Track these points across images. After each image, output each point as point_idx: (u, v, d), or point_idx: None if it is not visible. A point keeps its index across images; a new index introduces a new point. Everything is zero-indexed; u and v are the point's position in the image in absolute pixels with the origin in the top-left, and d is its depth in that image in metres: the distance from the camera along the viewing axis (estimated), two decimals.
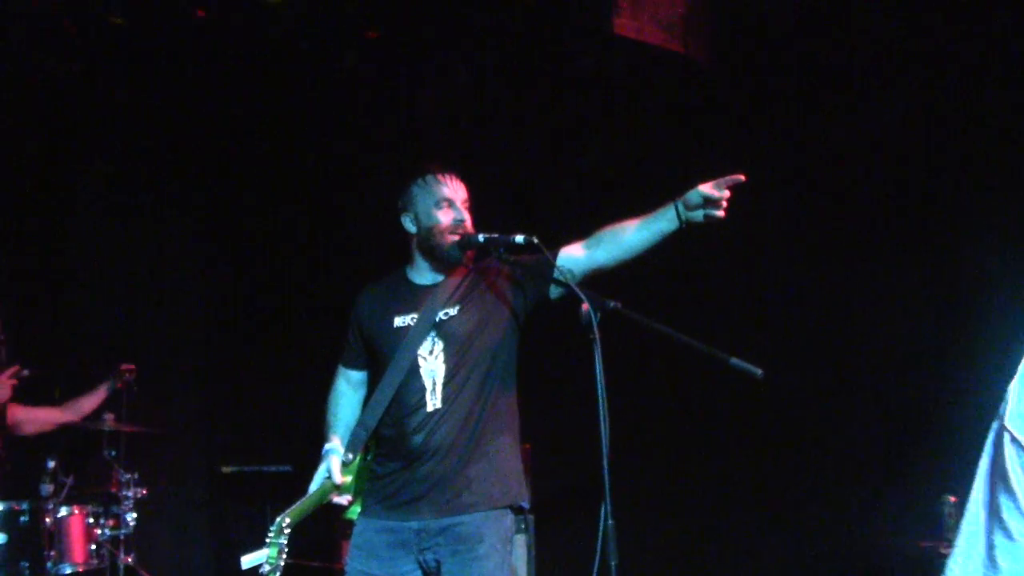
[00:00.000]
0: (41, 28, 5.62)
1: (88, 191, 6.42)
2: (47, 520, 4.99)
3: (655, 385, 5.30)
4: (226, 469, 6.36)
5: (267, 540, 3.00)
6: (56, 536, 5.05)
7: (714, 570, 5.37)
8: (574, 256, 3.23)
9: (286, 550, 3.00)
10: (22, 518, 4.84)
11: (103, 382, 5.57)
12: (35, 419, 5.46)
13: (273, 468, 6.12)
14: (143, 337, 6.25)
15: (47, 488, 5.09)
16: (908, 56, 4.77)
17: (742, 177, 3.03)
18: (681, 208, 3.10)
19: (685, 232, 3.14)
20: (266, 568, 2.97)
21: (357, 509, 3.30)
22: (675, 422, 5.40)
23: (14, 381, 5.06)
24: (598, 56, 5.11)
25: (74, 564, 5.09)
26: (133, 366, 5.61)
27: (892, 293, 4.82)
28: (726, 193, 3.04)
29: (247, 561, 3.02)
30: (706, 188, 3.05)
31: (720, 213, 3.06)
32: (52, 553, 4.99)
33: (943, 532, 4.10)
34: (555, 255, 3.21)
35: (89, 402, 5.56)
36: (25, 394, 5.53)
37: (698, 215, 3.09)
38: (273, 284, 6.73)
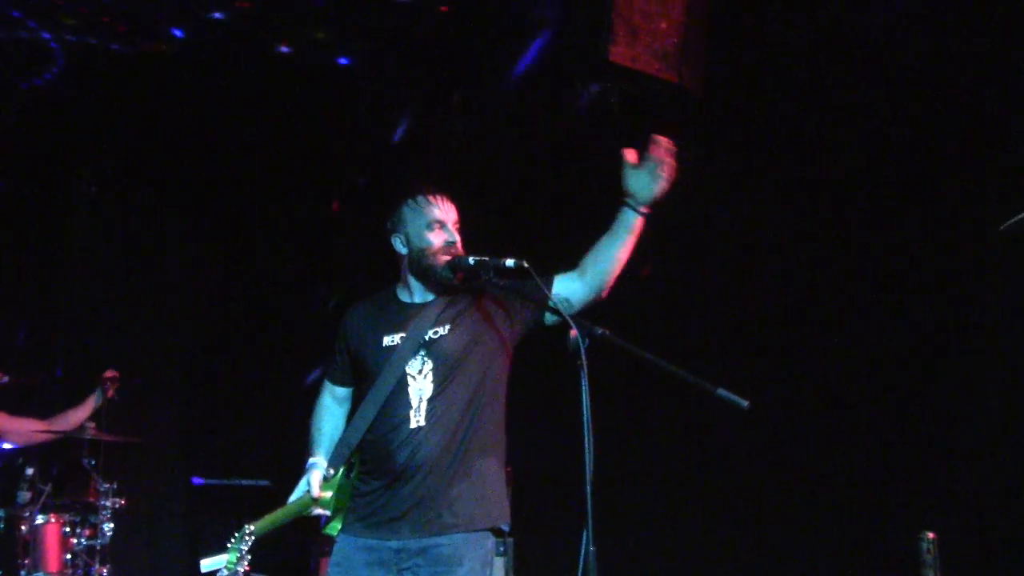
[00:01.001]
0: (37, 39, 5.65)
1: (75, 203, 6.42)
2: (23, 528, 4.97)
3: (641, 412, 5.31)
4: (204, 481, 6.33)
5: (228, 545, 3.00)
6: (31, 544, 5.02)
7: None
8: (571, 287, 3.25)
9: (247, 557, 3.00)
10: None
11: (91, 393, 5.55)
12: (19, 430, 5.46)
13: (251, 482, 6.10)
14: (124, 348, 6.25)
15: (24, 495, 5.07)
16: (899, 83, 4.81)
17: (658, 137, 3.11)
18: (631, 201, 3.20)
19: (653, 217, 3.20)
20: (224, 572, 2.98)
21: (337, 526, 3.29)
22: (659, 450, 5.40)
23: None
24: (593, 83, 5.14)
25: (48, 573, 5.06)
26: (117, 373, 5.59)
27: (876, 322, 4.84)
28: (655, 151, 3.12)
29: (206, 565, 3.02)
30: (629, 170, 3.17)
31: (664, 174, 3.15)
32: (27, 561, 4.97)
33: (921, 569, 4.10)
34: (550, 283, 3.23)
35: (77, 414, 5.54)
36: (6, 403, 5.53)
37: (646, 187, 3.16)
38: (255, 298, 6.72)
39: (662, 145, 3.15)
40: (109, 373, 5.60)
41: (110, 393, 5.52)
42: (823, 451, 4.90)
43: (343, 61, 5.89)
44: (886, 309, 4.82)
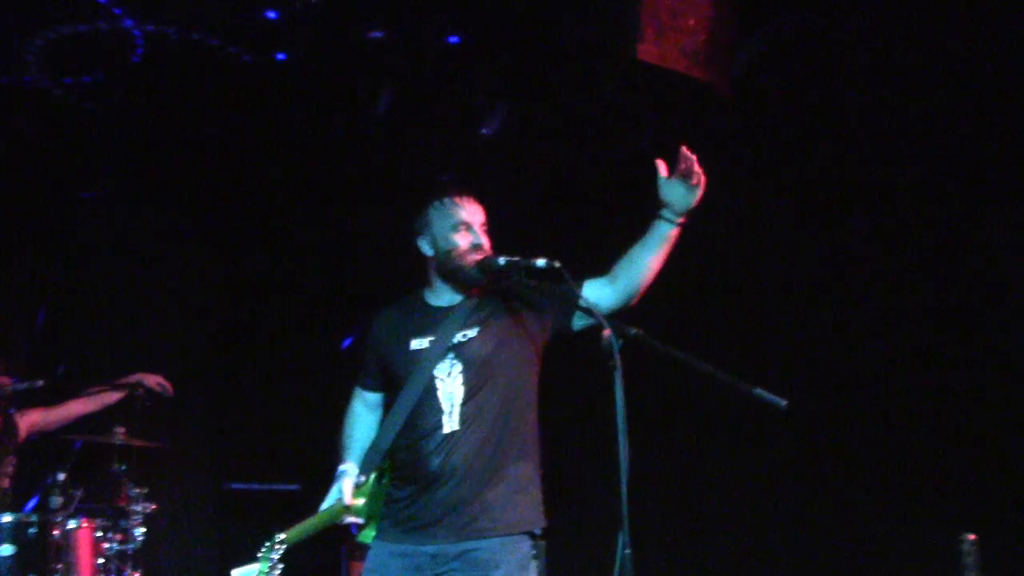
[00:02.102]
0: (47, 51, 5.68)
1: (97, 210, 6.45)
2: (55, 533, 4.97)
3: (676, 413, 5.27)
4: (234, 486, 6.35)
5: (259, 555, 2.98)
6: (64, 549, 5.02)
7: None
8: (600, 292, 3.21)
9: (279, 566, 2.97)
10: (30, 530, 4.84)
11: (132, 374, 5.60)
12: (56, 419, 5.58)
13: (281, 487, 6.10)
14: (154, 353, 6.25)
15: (56, 500, 5.08)
16: (934, 80, 4.76)
17: (686, 151, 3.08)
18: (665, 212, 3.16)
19: (687, 226, 3.17)
20: None
21: (371, 533, 3.26)
22: (695, 451, 5.36)
23: None
24: (621, 81, 5.11)
25: None
26: (170, 386, 5.64)
27: (917, 323, 4.78)
28: (688, 161, 3.08)
29: (236, 574, 2.99)
30: (663, 180, 3.13)
31: (693, 181, 3.11)
32: (59, 566, 4.97)
33: (962, 572, 4.04)
34: (580, 286, 3.18)
35: (110, 396, 5.58)
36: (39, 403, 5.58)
37: (681, 198, 3.12)
38: (285, 301, 6.72)
39: (692, 158, 3.10)
40: (157, 378, 5.64)
41: (141, 390, 5.56)
42: (862, 451, 4.86)
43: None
44: (927, 306, 4.76)
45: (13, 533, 4.78)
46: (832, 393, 4.91)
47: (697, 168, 3.11)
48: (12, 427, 5.48)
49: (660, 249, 3.18)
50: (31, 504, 5.63)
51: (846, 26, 4.91)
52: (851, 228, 5.04)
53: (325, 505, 3.19)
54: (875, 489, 4.85)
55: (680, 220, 3.17)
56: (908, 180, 4.86)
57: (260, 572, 2.95)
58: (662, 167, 3.15)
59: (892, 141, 4.89)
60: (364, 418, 3.43)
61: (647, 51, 4.74)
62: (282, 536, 3.01)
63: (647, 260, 3.19)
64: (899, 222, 4.91)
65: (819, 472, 4.98)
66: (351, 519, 3.20)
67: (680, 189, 3.12)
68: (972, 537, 4.08)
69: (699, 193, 3.14)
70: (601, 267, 3.27)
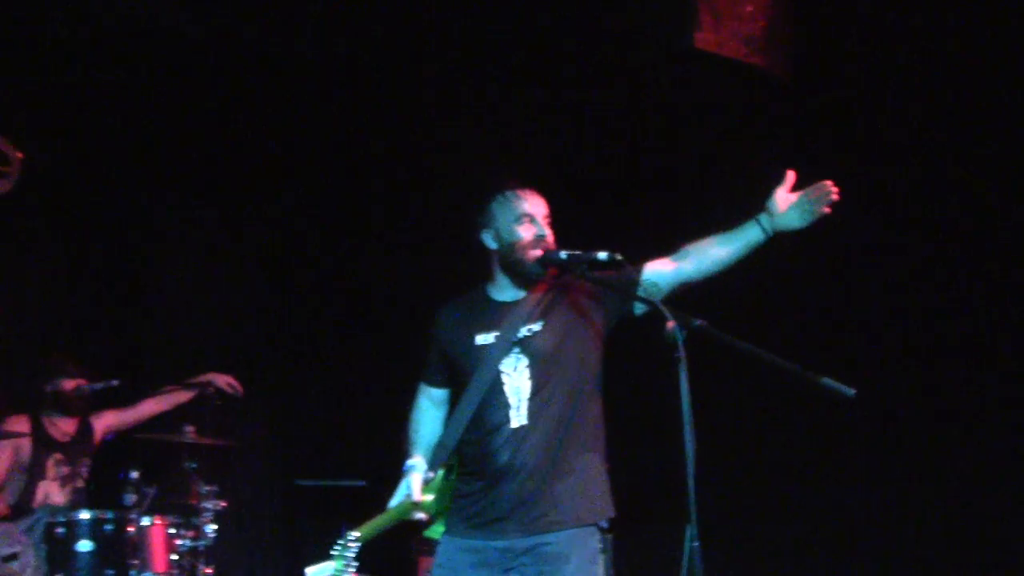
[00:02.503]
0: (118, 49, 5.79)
1: (161, 207, 6.55)
2: (130, 530, 5.07)
3: (741, 404, 5.23)
4: (302, 483, 6.41)
5: (333, 553, 2.99)
6: (139, 545, 5.12)
7: None
8: (660, 271, 3.21)
9: (353, 564, 2.99)
10: (107, 527, 4.94)
11: (203, 374, 5.69)
12: (130, 419, 5.71)
13: (348, 483, 6.15)
14: (221, 349, 6.33)
15: (130, 498, 5.19)
16: (1003, 65, 4.66)
17: (828, 183, 3.01)
18: (764, 220, 3.10)
19: (775, 240, 3.11)
20: None
21: (439, 528, 3.29)
22: (761, 441, 5.32)
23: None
24: (679, 71, 5.08)
25: (156, 573, 5.15)
26: (240, 387, 5.73)
27: (997, 307, 4.69)
28: (829, 187, 3.03)
29: (311, 572, 3.02)
30: (779, 192, 3.07)
31: (826, 211, 3.05)
32: (135, 562, 5.07)
33: None
34: (639, 271, 3.19)
35: (183, 395, 5.70)
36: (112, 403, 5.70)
37: (791, 220, 3.07)
38: (350, 298, 6.78)
39: (829, 191, 3.04)
40: (229, 379, 5.74)
41: (212, 389, 5.66)
42: (934, 443, 4.76)
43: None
44: (1007, 296, 4.67)
45: (91, 530, 4.88)
46: (903, 382, 4.83)
47: (827, 202, 3.04)
48: (89, 430, 5.60)
49: (739, 250, 3.16)
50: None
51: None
52: (920, 212, 4.95)
53: (394, 501, 3.20)
54: (948, 480, 4.76)
55: (771, 233, 3.12)
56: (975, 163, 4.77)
57: (336, 570, 2.97)
58: (790, 177, 3.08)
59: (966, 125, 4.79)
60: (430, 414, 3.44)
61: (705, 39, 4.71)
62: (356, 534, 3.02)
63: (722, 255, 3.18)
64: (967, 208, 4.82)
65: (888, 464, 4.91)
66: (420, 515, 3.22)
67: (795, 210, 3.07)
68: None
69: (810, 222, 3.08)
70: (659, 254, 3.25)
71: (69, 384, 5.46)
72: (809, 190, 3.07)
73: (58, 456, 5.44)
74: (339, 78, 6.11)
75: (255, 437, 6.39)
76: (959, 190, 4.82)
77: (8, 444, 5.30)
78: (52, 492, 5.39)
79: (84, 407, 5.56)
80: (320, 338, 6.80)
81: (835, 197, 3.05)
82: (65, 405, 5.48)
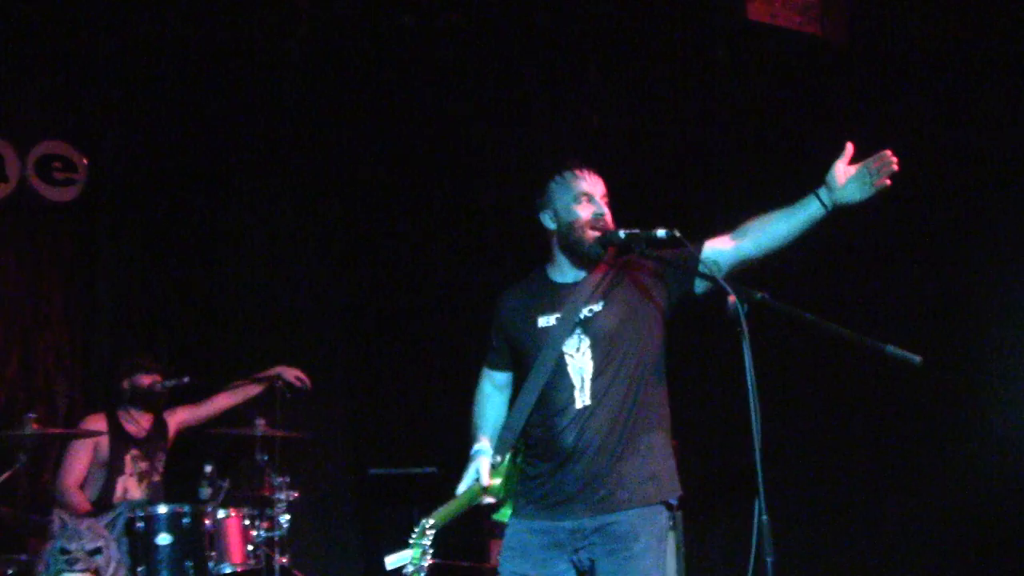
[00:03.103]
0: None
1: (231, 203, 6.63)
2: (207, 522, 5.17)
3: (805, 377, 5.17)
4: (374, 472, 6.48)
5: (410, 541, 3.02)
6: (215, 537, 5.22)
7: (870, 565, 5.20)
8: (720, 248, 3.19)
9: (430, 551, 3.01)
10: (184, 520, 5.03)
11: (272, 368, 5.79)
12: (203, 414, 5.82)
13: (419, 470, 6.20)
14: (289, 344, 6.40)
15: (205, 492, 5.28)
16: None
17: (888, 153, 2.94)
18: (824, 194, 3.05)
19: (835, 215, 3.06)
20: (409, 568, 2.99)
21: (507, 511, 3.30)
22: (827, 414, 5.25)
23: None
24: (733, 44, 5.02)
25: (233, 564, 5.26)
26: (307, 379, 5.82)
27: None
28: (889, 157, 2.96)
29: (391, 562, 3.04)
30: (839, 165, 3.01)
31: (885, 182, 2.99)
32: (213, 553, 5.17)
33: None
34: (699, 248, 3.17)
35: (252, 389, 5.81)
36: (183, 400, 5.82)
37: (851, 193, 3.01)
38: (415, 286, 6.81)
39: (890, 161, 2.98)
40: (296, 372, 5.83)
41: (281, 382, 5.74)
42: (1004, 409, 4.67)
43: None
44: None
45: (169, 523, 4.98)
46: (968, 350, 4.74)
47: (889, 172, 2.99)
48: (163, 426, 5.72)
49: (800, 225, 3.10)
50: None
51: None
52: (982, 178, 4.84)
53: (463, 487, 3.21)
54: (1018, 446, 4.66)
55: (831, 207, 3.06)
56: None
57: (414, 559, 2.99)
58: (849, 149, 3.03)
59: None
60: (494, 398, 3.46)
61: (757, 10, 4.65)
62: (431, 521, 3.04)
63: (783, 231, 3.13)
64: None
65: (959, 431, 4.82)
66: (488, 499, 3.24)
67: (854, 182, 3.01)
68: None
69: (871, 194, 3.02)
70: (718, 231, 3.22)
71: (146, 380, 5.58)
72: (868, 161, 3.01)
73: (135, 452, 5.57)
74: (399, 61, 6.12)
75: (326, 428, 6.46)
76: (1019, 153, 4.70)
77: (88, 441, 5.44)
78: (131, 487, 5.52)
79: (161, 403, 5.67)
80: (390, 328, 6.85)
81: (895, 167, 2.99)
82: (143, 401, 5.60)
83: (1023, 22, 4.64)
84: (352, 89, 6.28)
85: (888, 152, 2.99)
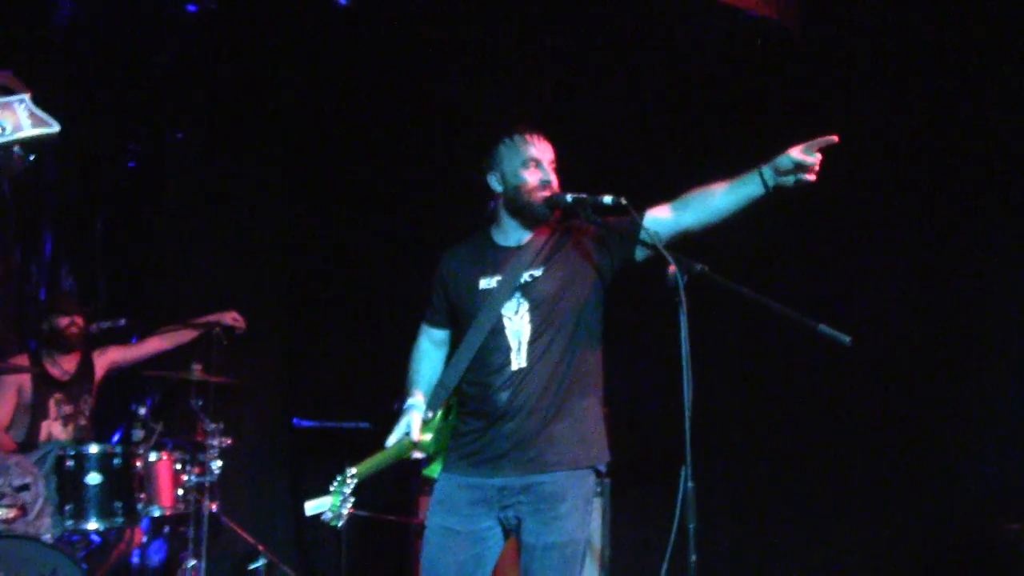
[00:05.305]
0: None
1: (178, 152, 6.56)
2: (138, 464, 5.16)
3: (740, 349, 5.26)
4: (301, 423, 6.48)
5: (331, 488, 3.03)
6: (146, 480, 5.22)
7: (791, 538, 5.34)
8: (661, 218, 3.22)
9: (351, 500, 3.01)
10: (115, 460, 5.00)
11: (210, 315, 5.75)
12: (133, 356, 5.79)
13: (352, 424, 6.22)
14: (229, 291, 6.37)
15: (138, 433, 5.27)
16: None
17: (834, 138, 3.00)
18: (768, 173, 3.10)
19: (773, 196, 3.11)
20: (328, 515, 2.99)
21: (437, 467, 3.33)
22: (757, 388, 5.36)
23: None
24: (693, 22, 5.06)
25: (162, 507, 5.26)
26: (243, 321, 5.79)
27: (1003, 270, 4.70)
28: (817, 157, 3.02)
29: (310, 508, 3.04)
30: (796, 152, 3.04)
31: (811, 177, 3.05)
32: (143, 496, 5.16)
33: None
34: (642, 216, 3.20)
35: (187, 334, 5.79)
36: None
37: (788, 180, 3.07)
38: (355, 242, 6.80)
39: (828, 143, 3.01)
40: (234, 316, 5.79)
41: (219, 328, 5.72)
42: (932, 393, 4.80)
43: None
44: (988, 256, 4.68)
45: (100, 463, 4.95)
46: (899, 331, 4.86)
47: (816, 164, 3.01)
48: (90, 367, 5.65)
49: (742, 202, 3.15)
50: (115, 437, 5.85)
51: None
52: (924, 165, 4.95)
53: (392, 440, 3.23)
54: (947, 430, 4.80)
55: (770, 187, 3.10)
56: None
57: (333, 506, 2.99)
58: (827, 140, 3.01)
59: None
60: (431, 354, 3.48)
61: None
62: (353, 471, 3.05)
63: (724, 206, 3.17)
64: (965, 165, 4.80)
65: (884, 417, 4.95)
66: (418, 454, 3.27)
67: (792, 164, 3.03)
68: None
69: (801, 183, 3.05)
70: (661, 200, 3.26)
71: (63, 320, 5.50)
72: (809, 145, 3.03)
73: (59, 395, 5.50)
74: (349, 22, 6.08)
75: (262, 376, 6.46)
76: (964, 142, 4.80)
77: (12, 384, 5.36)
78: (55, 430, 5.46)
79: (81, 343, 5.59)
80: (330, 281, 6.84)
81: (816, 165, 3.01)
82: (61, 342, 5.52)
83: (974, 12, 4.72)
84: (290, 41, 6.21)
85: (835, 138, 3.00)
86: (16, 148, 2.40)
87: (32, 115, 2.39)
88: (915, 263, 4.90)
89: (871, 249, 5.06)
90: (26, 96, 2.41)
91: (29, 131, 2.39)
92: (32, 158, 2.45)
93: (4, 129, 2.36)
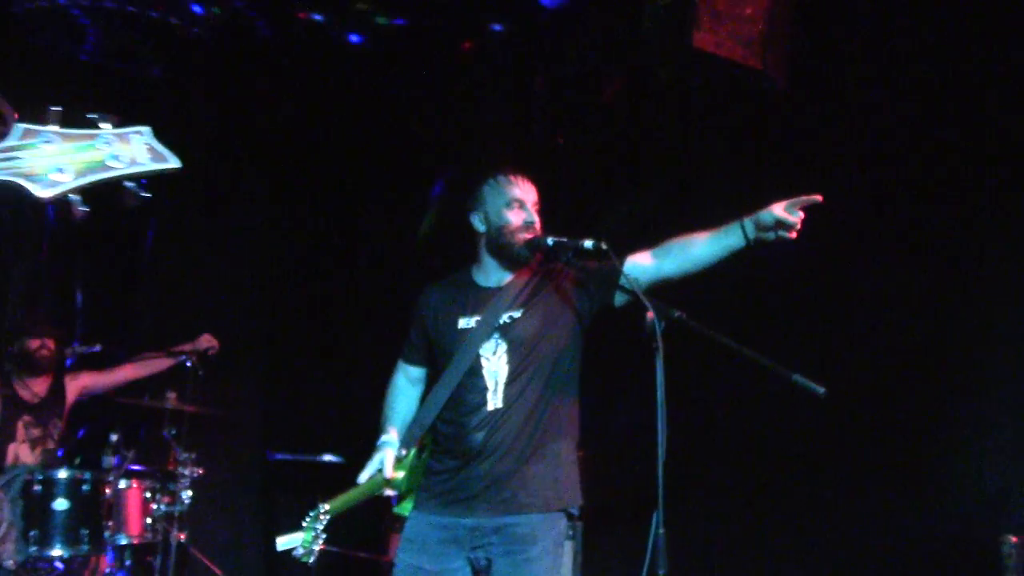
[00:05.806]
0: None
1: (153, 181, 6.53)
2: (107, 491, 5.11)
3: (715, 397, 5.27)
4: (275, 456, 6.43)
5: (303, 524, 3.03)
6: (114, 507, 5.17)
7: None
8: (641, 264, 3.24)
9: (322, 536, 3.02)
10: (84, 487, 4.96)
11: (183, 344, 5.72)
12: (106, 382, 5.73)
13: (326, 458, 6.18)
14: (206, 323, 6.34)
15: (109, 460, 5.22)
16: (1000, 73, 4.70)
17: (818, 198, 3.03)
18: (749, 227, 3.13)
19: (753, 249, 3.14)
20: (300, 551, 3.00)
21: (409, 505, 3.32)
22: (733, 435, 5.35)
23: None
24: (676, 69, 5.11)
25: (130, 536, 5.21)
26: (216, 342, 5.76)
27: (966, 311, 4.73)
28: (799, 216, 3.05)
29: (282, 543, 3.04)
30: (779, 210, 3.06)
31: (792, 235, 3.07)
32: (110, 523, 5.11)
33: (1004, 574, 4.00)
34: (623, 262, 3.22)
35: (161, 362, 5.74)
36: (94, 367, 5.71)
37: (769, 235, 3.10)
38: (335, 276, 6.80)
39: (810, 203, 3.04)
40: (208, 339, 5.76)
41: (195, 356, 5.68)
42: (903, 446, 4.80)
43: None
44: (971, 305, 4.71)
45: (68, 489, 4.91)
46: (874, 382, 4.87)
47: (798, 223, 3.05)
48: (61, 391, 5.60)
49: (723, 252, 3.17)
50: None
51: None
52: (905, 219, 4.98)
53: (365, 476, 3.22)
54: (916, 487, 4.81)
55: (750, 240, 3.12)
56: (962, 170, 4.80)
57: (304, 541, 3.00)
58: (813, 199, 3.03)
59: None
60: (406, 391, 3.48)
61: (703, 39, 4.72)
62: (326, 507, 3.05)
63: (704, 256, 3.20)
64: (954, 214, 4.85)
65: (858, 464, 4.95)
66: (390, 491, 3.25)
67: (773, 221, 3.05)
68: (1014, 540, 4.05)
69: (781, 239, 3.08)
70: (643, 247, 3.28)
71: (34, 343, 5.46)
72: (792, 202, 3.05)
73: (27, 418, 5.44)
74: (337, 58, 6.12)
75: (238, 408, 6.41)
76: (953, 196, 4.85)
77: None
78: (22, 454, 5.39)
79: (51, 366, 5.55)
80: (308, 315, 6.83)
81: (798, 224, 3.04)
82: (31, 364, 5.47)
83: (956, 69, 4.79)
84: (283, 74, 6.25)
85: (819, 198, 3.02)
86: (130, 184, 2.22)
87: (151, 149, 2.23)
88: (911, 272, 4.92)
89: (864, 263, 5.08)
90: (146, 129, 2.24)
91: (147, 166, 2.22)
92: (147, 196, 2.25)
93: (119, 162, 2.18)
